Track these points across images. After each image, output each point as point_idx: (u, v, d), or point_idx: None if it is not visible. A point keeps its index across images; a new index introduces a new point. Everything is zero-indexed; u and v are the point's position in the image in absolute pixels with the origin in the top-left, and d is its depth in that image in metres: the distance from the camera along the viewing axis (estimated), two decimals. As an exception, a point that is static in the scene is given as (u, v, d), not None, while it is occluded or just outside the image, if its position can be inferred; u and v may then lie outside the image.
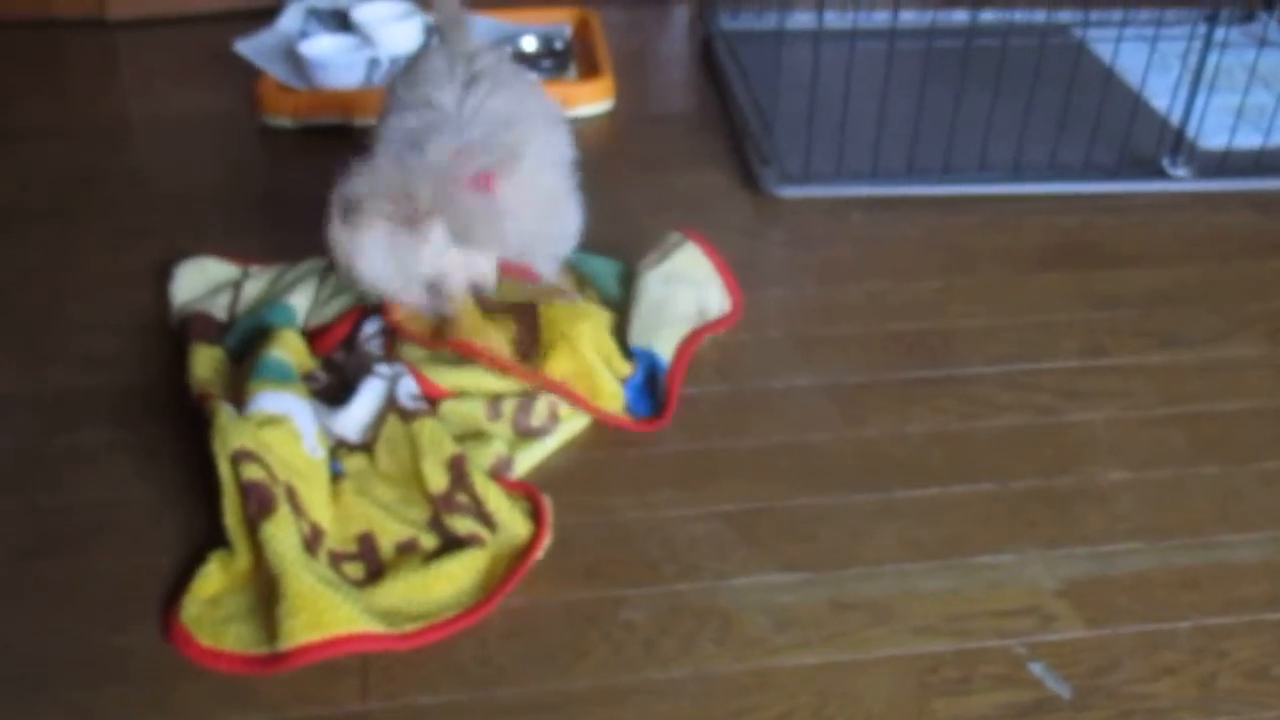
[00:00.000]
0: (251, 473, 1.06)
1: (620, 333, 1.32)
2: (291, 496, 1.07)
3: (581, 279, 1.39)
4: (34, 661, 1.00)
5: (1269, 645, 1.03)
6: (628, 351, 1.30)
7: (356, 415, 1.18)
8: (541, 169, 1.25)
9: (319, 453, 1.13)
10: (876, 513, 1.15)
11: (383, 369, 1.20)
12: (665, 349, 1.30)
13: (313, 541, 1.06)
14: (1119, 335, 1.39)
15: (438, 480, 1.11)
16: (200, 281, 1.40)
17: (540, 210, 1.24)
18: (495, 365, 1.21)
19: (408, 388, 1.19)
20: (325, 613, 0.99)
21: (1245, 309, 1.43)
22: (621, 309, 1.35)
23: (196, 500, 1.13)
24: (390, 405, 1.18)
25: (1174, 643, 1.03)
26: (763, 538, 1.12)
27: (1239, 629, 1.04)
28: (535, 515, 1.11)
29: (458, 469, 1.11)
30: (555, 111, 1.34)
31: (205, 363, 1.25)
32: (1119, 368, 1.34)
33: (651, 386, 1.28)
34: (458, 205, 1.14)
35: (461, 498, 1.10)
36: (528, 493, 1.13)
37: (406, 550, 1.09)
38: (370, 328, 1.27)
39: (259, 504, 1.05)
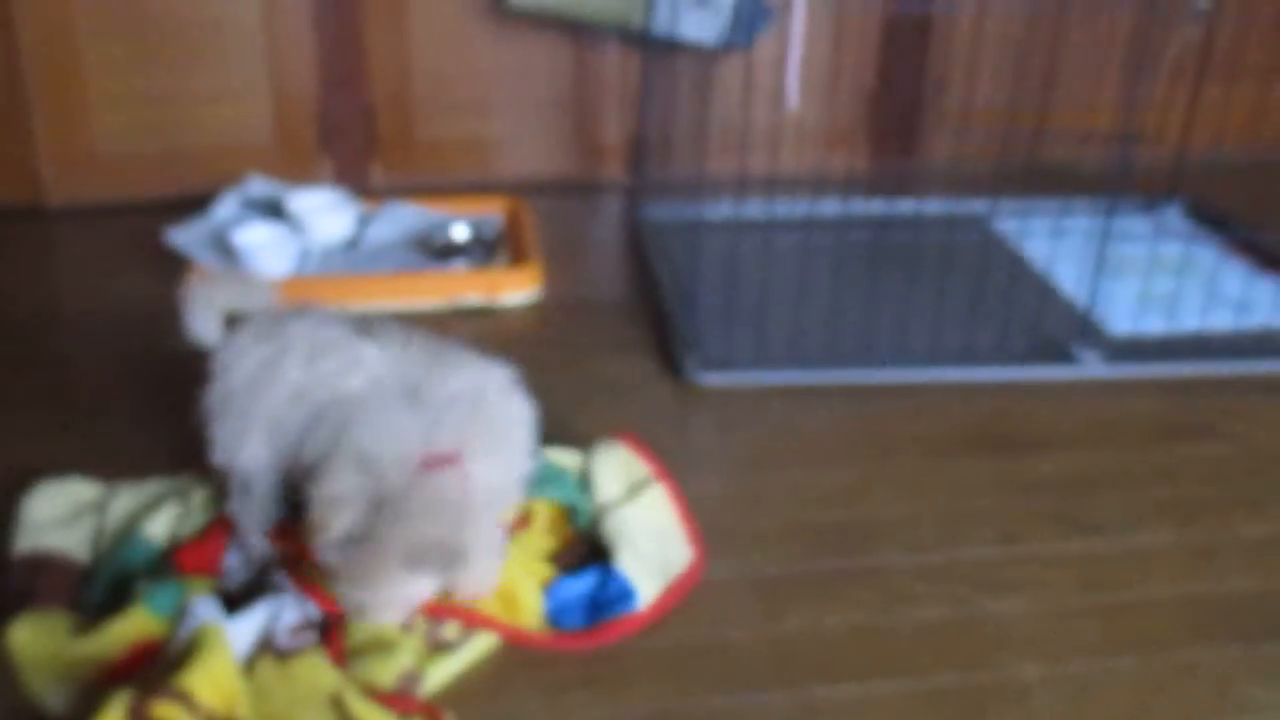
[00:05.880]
0: (167, 714, 1.01)
1: (577, 544, 1.30)
2: None
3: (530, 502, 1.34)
4: None
5: None
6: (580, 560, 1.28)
7: (236, 641, 1.12)
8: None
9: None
10: (793, 713, 1.13)
11: (263, 602, 1.15)
12: (646, 590, 1.24)
13: None
14: (1034, 522, 1.40)
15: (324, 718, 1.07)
16: (60, 504, 1.31)
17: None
18: None
19: (288, 620, 1.14)
20: None
21: (1156, 494, 1.46)
22: (577, 521, 1.33)
23: None
24: (265, 646, 1.12)
25: None
26: (677, 742, 1.09)
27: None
28: None
29: (339, 707, 1.07)
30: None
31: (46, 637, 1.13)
32: (1034, 556, 1.35)
33: (592, 605, 1.24)
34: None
35: None
36: (429, 714, 1.09)
37: None
38: (233, 559, 1.23)
39: None
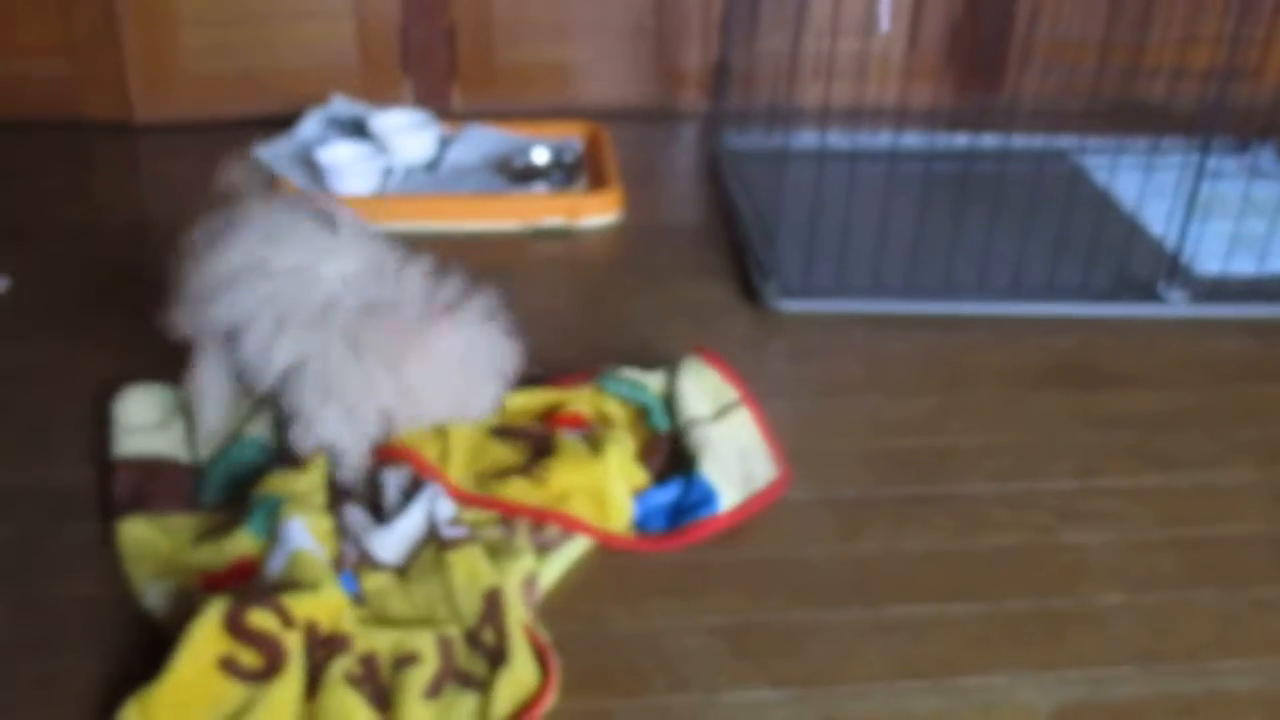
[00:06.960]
0: (263, 622, 1.04)
1: (659, 443, 1.33)
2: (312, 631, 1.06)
3: (604, 401, 1.38)
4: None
5: (1265, 777, 1.01)
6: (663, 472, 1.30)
7: (399, 539, 1.17)
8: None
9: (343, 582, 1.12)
10: (869, 630, 1.14)
11: (427, 489, 1.20)
12: (728, 498, 1.27)
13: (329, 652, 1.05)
14: (1115, 457, 1.39)
15: (471, 610, 1.10)
16: (147, 408, 1.36)
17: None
18: (459, 498, 1.22)
19: (444, 511, 1.18)
20: None
21: (1239, 434, 1.44)
22: (652, 422, 1.36)
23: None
24: (431, 534, 1.17)
25: (1169, 772, 1.02)
26: (754, 652, 1.11)
27: (1235, 759, 1.03)
28: (543, 671, 1.07)
29: (492, 603, 1.10)
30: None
31: (179, 538, 1.19)
32: (1115, 489, 1.34)
33: (675, 510, 1.27)
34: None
35: (488, 634, 1.08)
36: (541, 650, 1.09)
37: (405, 665, 1.06)
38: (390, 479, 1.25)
39: (269, 660, 1.03)
